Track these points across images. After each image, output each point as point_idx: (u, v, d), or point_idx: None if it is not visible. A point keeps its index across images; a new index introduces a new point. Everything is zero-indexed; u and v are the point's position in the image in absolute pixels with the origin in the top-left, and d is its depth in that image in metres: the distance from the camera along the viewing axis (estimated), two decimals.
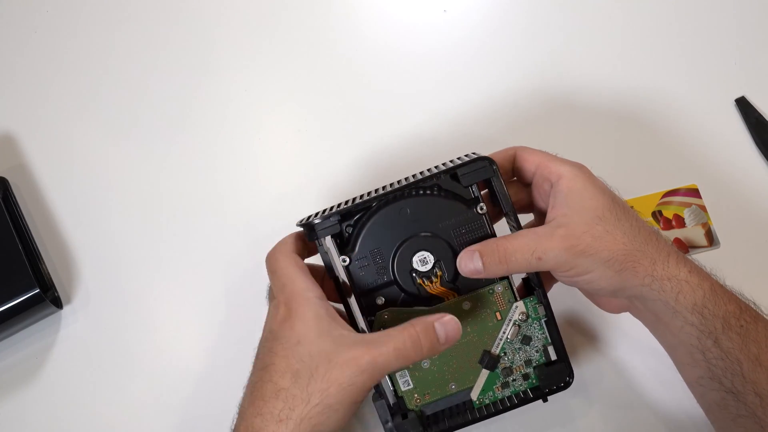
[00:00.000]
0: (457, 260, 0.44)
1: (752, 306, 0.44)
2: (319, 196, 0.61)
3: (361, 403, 0.41)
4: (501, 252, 0.43)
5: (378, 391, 0.47)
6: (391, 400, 0.47)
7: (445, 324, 0.41)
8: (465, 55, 0.65)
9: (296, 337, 0.40)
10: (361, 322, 0.47)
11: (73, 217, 0.61)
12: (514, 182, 0.50)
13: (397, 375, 0.46)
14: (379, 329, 0.45)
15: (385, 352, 0.39)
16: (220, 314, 0.58)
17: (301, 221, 0.46)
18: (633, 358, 0.54)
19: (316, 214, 0.46)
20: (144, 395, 0.56)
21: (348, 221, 0.46)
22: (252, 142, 0.64)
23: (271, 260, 0.45)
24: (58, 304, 0.58)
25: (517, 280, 0.49)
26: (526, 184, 0.48)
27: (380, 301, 0.46)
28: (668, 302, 0.43)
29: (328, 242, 0.46)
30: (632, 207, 0.59)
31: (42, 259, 0.60)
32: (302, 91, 0.65)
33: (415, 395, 0.47)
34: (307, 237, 0.45)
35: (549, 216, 0.45)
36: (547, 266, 0.43)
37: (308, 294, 0.42)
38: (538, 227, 0.44)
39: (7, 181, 0.61)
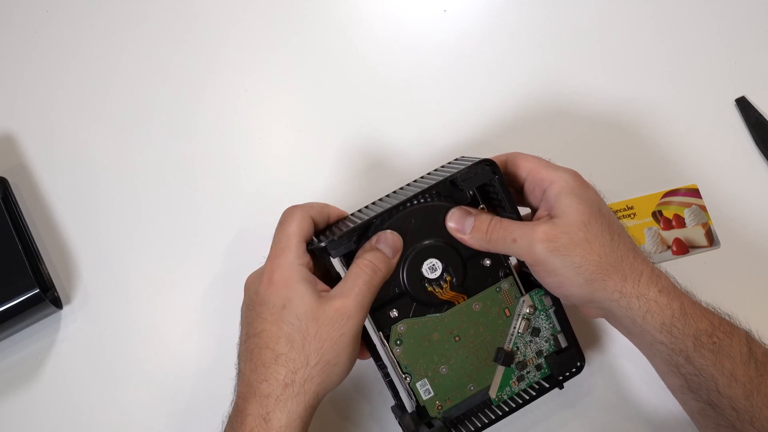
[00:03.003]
0: (449, 215, 0.46)
1: (727, 320, 0.43)
2: (318, 195, 0.61)
3: (356, 348, 0.43)
4: (492, 224, 0.45)
5: (399, 405, 0.47)
6: (410, 409, 0.47)
7: (383, 240, 0.45)
8: (464, 57, 0.65)
9: (281, 301, 0.42)
10: (376, 338, 0.47)
11: (73, 218, 0.61)
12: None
13: (418, 385, 0.47)
14: (395, 342, 0.46)
15: (359, 291, 0.43)
16: (221, 315, 0.58)
17: (311, 245, 0.45)
18: (623, 360, 0.54)
19: (325, 234, 0.45)
20: (144, 395, 0.56)
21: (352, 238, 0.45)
22: (252, 143, 0.64)
23: (286, 215, 0.46)
24: (57, 304, 0.58)
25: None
26: (518, 190, 0.48)
27: (393, 314, 0.46)
28: (635, 320, 0.43)
29: (336, 261, 0.46)
30: (631, 207, 0.59)
31: (42, 259, 0.60)
32: (303, 91, 0.65)
33: (437, 402, 0.47)
34: (318, 258, 0.45)
35: (537, 217, 0.46)
36: (519, 251, 0.44)
37: (294, 261, 0.44)
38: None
39: (7, 181, 0.61)
